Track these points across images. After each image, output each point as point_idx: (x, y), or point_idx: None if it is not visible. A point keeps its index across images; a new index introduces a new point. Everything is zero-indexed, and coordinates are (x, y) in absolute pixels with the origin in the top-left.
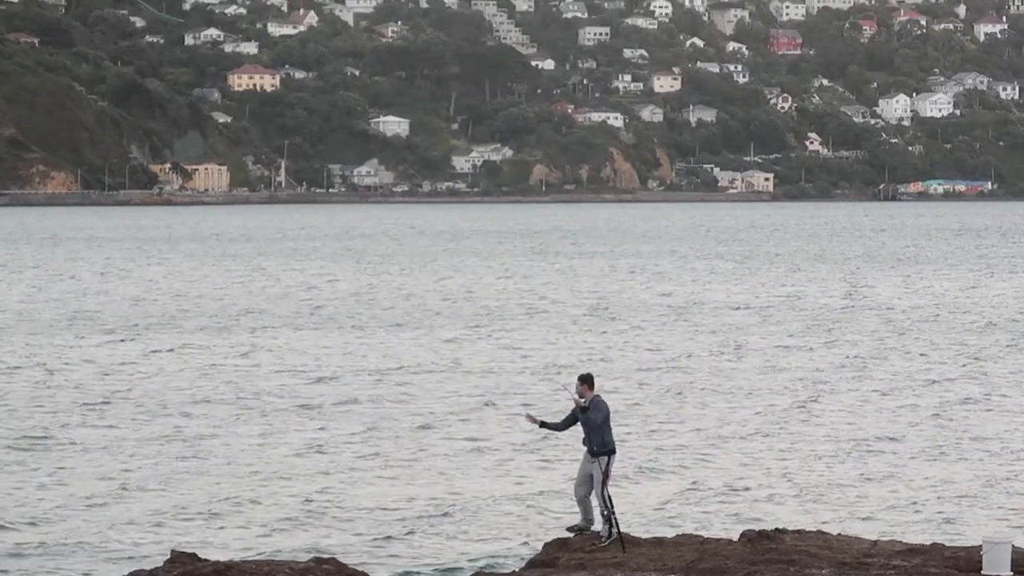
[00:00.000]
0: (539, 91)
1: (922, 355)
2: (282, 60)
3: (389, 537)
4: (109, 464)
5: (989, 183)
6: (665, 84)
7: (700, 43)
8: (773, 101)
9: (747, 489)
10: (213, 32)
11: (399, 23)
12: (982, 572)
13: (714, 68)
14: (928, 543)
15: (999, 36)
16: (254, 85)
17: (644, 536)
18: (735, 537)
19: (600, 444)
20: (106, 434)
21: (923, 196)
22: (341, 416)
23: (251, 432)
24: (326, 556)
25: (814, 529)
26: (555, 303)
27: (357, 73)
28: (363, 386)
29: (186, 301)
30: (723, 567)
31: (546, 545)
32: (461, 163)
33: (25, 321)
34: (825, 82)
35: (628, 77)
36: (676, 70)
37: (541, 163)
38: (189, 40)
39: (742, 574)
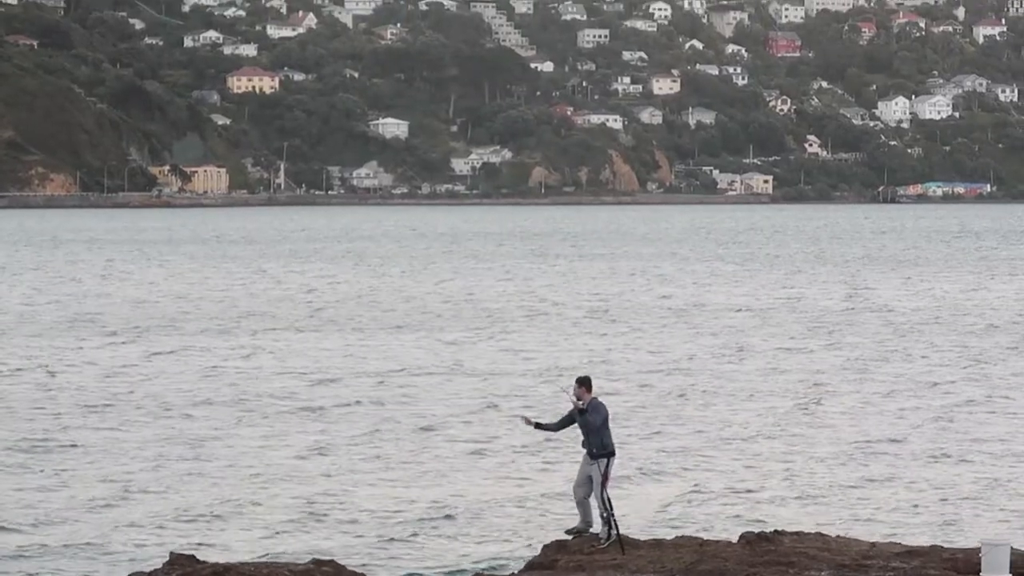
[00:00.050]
0: (538, 93)
1: (923, 357)
2: (281, 62)
3: (390, 539)
4: (110, 466)
5: (988, 185)
6: (664, 86)
7: (699, 45)
8: (772, 103)
9: (747, 491)
10: (212, 34)
11: (398, 25)
12: (981, 574)
13: (713, 70)
14: (927, 545)
15: (998, 38)
16: (253, 87)
17: (643, 538)
18: (734, 539)
19: (599, 446)
20: (107, 436)
21: (922, 198)
22: (342, 418)
23: (253, 434)
24: (325, 558)
25: (813, 531)
26: (556, 305)
27: (356, 75)
28: (364, 388)
29: (187, 303)
30: (722, 569)
31: (545, 547)
32: (460, 165)
33: (26, 323)
34: (824, 84)
35: (627, 79)
36: (675, 72)
37: (540, 165)
38: (188, 42)
39: None
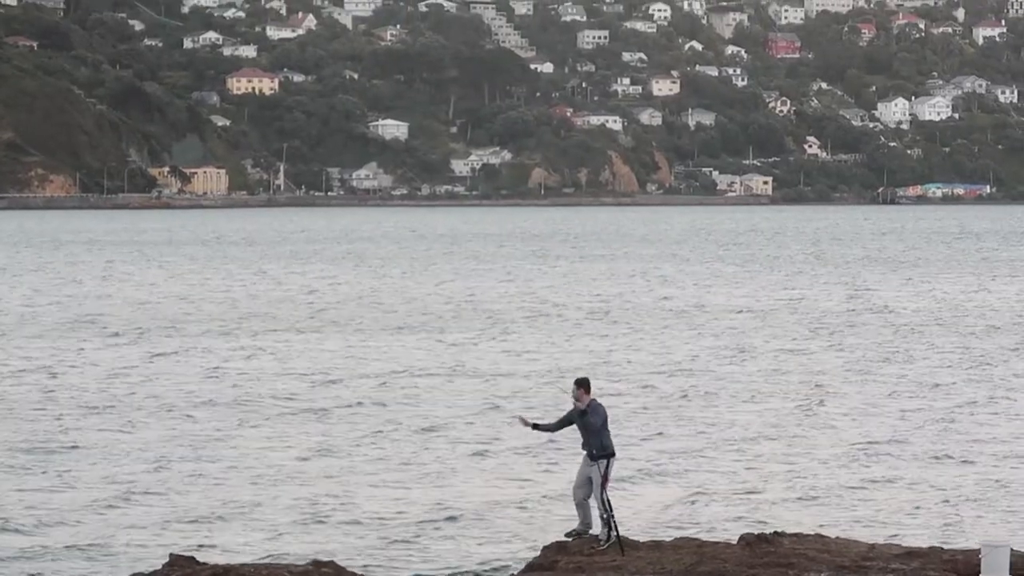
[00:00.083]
0: (538, 94)
1: (924, 358)
2: (281, 63)
3: (391, 540)
4: (112, 467)
5: (988, 186)
6: (664, 87)
7: (699, 46)
8: (772, 104)
9: (748, 492)
10: (212, 35)
11: (398, 26)
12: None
13: (713, 72)
14: (927, 546)
15: (998, 40)
16: (253, 88)
17: (643, 539)
18: (734, 540)
19: (599, 447)
20: (109, 437)
21: (922, 199)
22: (344, 419)
23: (254, 435)
24: (325, 559)
25: (814, 532)
26: (557, 306)
27: (356, 76)
28: (366, 389)
29: (188, 304)
30: (721, 570)
31: (545, 548)
32: (460, 166)
33: (28, 324)
34: (824, 85)
35: (627, 80)
36: (675, 73)
37: (540, 166)
38: (188, 43)
39: None
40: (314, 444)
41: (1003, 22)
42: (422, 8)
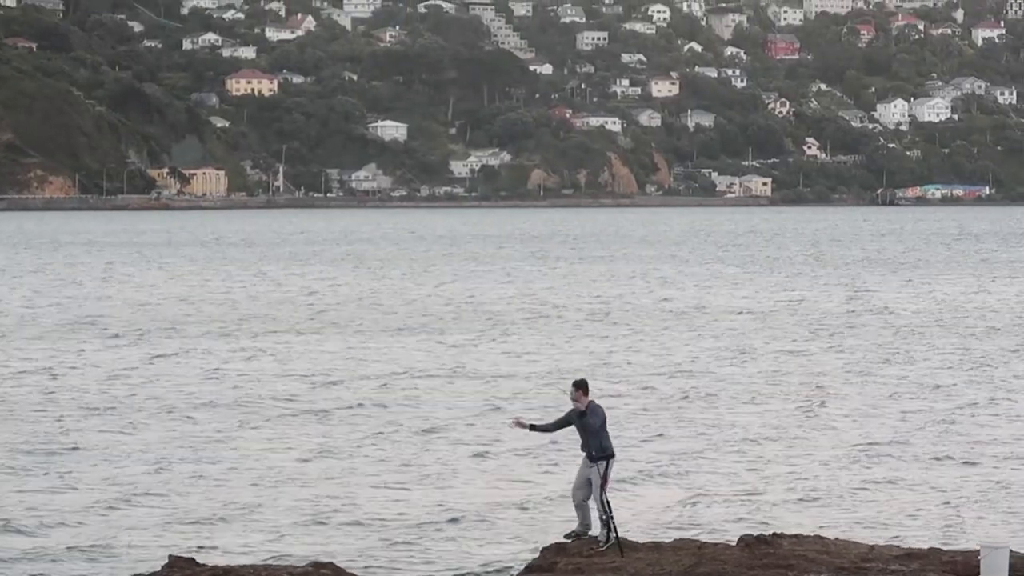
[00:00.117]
0: (537, 96)
1: (925, 360)
2: (280, 65)
3: (392, 542)
4: (112, 469)
5: (987, 188)
6: (663, 89)
7: (698, 48)
8: (771, 106)
9: (748, 494)
10: (211, 37)
11: (397, 28)
12: None
13: (712, 73)
14: (926, 548)
15: (997, 41)
16: (252, 90)
17: (642, 540)
18: (734, 542)
19: (599, 449)
20: (109, 439)
21: (921, 201)
22: (344, 420)
23: (255, 437)
24: (324, 561)
25: (812, 533)
26: (556, 308)
27: (355, 78)
28: (366, 390)
29: (188, 306)
30: (720, 572)
31: (544, 549)
32: (459, 168)
33: (28, 326)
34: (823, 87)
35: (626, 82)
36: (674, 75)
37: (539, 168)
38: (187, 45)
39: None
40: (314, 445)
41: (1002, 23)
42: (421, 9)
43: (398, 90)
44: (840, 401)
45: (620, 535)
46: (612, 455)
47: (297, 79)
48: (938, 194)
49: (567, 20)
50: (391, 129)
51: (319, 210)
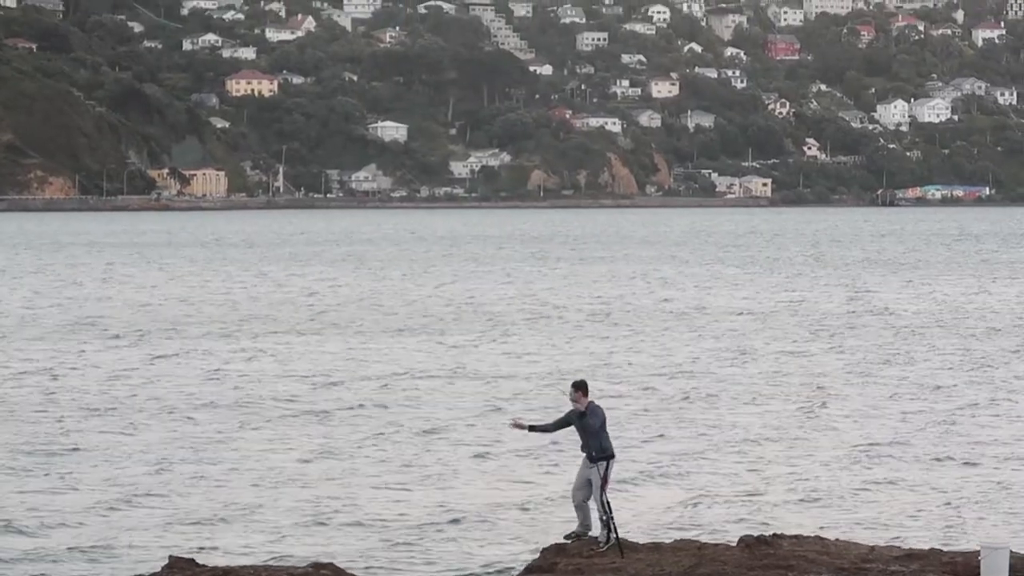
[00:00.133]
0: (537, 96)
1: (925, 360)
2: (280, 65)
3: (393, 542)
4: (113, 469)
5: (987, 188)
6: (663, 89)
7: (698, 48)
8: (771, 106)
9: (749, 494)
10: (211, 37)
11: (397, 28)
12: None
13: (712, 73)
14: (927, 548)
15: (997, 41)
16: (252, 90)
17: (643, 541)
18: (734, 542)
19: (599, 449)
20: (110, 439)
21: (921, 201)
22: (345, 421)
23: (255, 437)
24: (324, 561)
25: (813, 534)
26: (557, 308)
27: (355, 78)
28: (367, 391)
29: (189, 306)
30: (720, 572)
31: (544, 550)
32: (459, 168)
33: (28, 327)
34: (823, 87)
35: (626, 82)
36: (674, 75)
37: (539, 168)
38: (187, 45)
39: None
40: (315, 446)
41: (1002, 24)
42: (421, 10)
43: (398, 91)
44: (841, 402)
45: (620, 536)
46: (612, 456)
47: (297, 80)
48: (938, 195)
49: (567, 21)
50: (391, 130)
51: (319, 211)
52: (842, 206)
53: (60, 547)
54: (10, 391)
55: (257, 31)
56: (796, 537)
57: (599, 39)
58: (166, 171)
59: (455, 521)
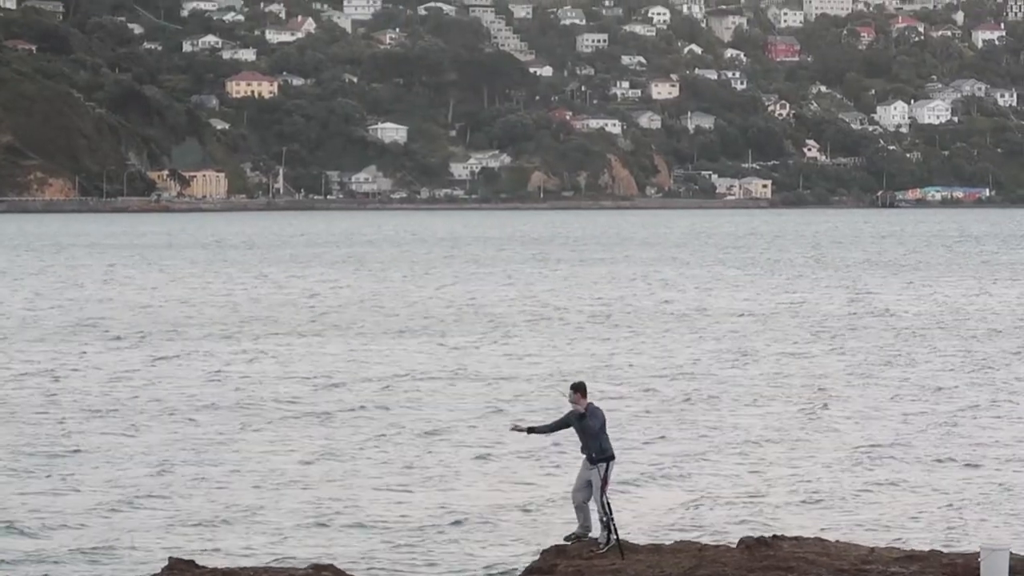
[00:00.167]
0: (537, 98)
1: (927, 362)
2: (280, 67)
3: (394, 544)
4: (115, 471)
5: (987, 190)
6: (663, 91)
7: (698, 50)
8: (771, 108)
9: (750, 496)
10: (211, 39)
11: (397, 30)
12: None
13: (712, 75)
14: (927, 550)
15: (997, 43)
16: (252, 92)
17: (643, 543)
18: (734, 544)
19: (599, 451)
20: (112, 441)
21: (921, 203)
22: (347, 423)
23: (257, 439)
24: (324, 563)
25: (813, 536)
26: (558, 310)
27: (355, 80)
28: (368, 393)
29: (190, 308)
30: (721, 574)
31: (544, 552)
32: (459, 170)
33: (30, 328)
34: (823, 89)
35: (626, 84)
36: (674, 77)
37: (539, 170)
38: (187, 47)
39: None
40: (317, 448)
41: (1002, 25)
42: (421, 11)
43: (398, 92)
44: (842, 403)
45: (621, 537)
46: (612, 457)
47: (297, 81)
48: (938, 196)
49: (567, 22)
50: (391, 131)
51: (319, 212)
52: (842, 207)
53: (62, 548)
54: (12, 392)
55: (257, 33)
56: (796, 538)
57: (599, 40)
58: (166, 173)
59: (456, 523)
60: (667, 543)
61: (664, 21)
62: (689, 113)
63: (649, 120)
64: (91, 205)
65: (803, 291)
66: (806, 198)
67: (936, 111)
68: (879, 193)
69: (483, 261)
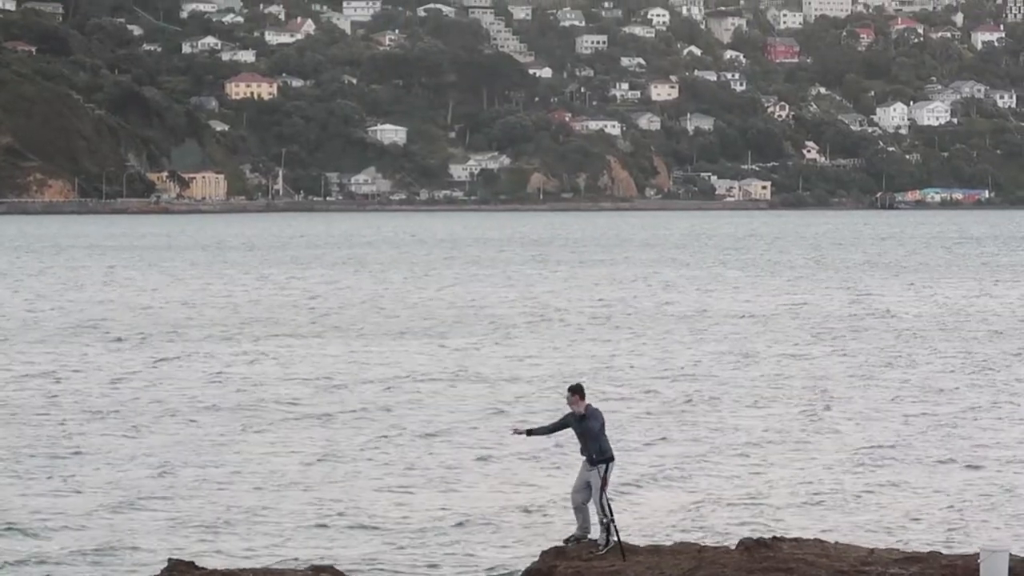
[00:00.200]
0: (536, 99)
1: (928, 363)
2: (279, 68)
3: (396, 545)
4: (116, 472)
5: (986, 191)
6: (662, 92)
7: (697, 51)
8: (770, 109)
9: (752, 497)
10: (210, 40)
11: (396, 31)
12: None
13: (711, 76)
14: (926, 551)
15: (996, 44)
16: (251, 93)
17: (642, 544)
18: (734, 545)
19: (598, 452)
20: (113, 442)
21: (920, 204)
22: (348, 424)
23: (259, 440)
24: (324, 564)
25: (813, 537)
26: (559, 311)
27: (354, 81)
28: (369, 394)
29: (190, 309)
30: (720, 575)
31: (544, 553)
32: (458, 171)
33: (30, 329)
34: (822, 90)
35: (625, 85)
36: (673, 78)
37: (538, 171)
38: (186, 48)
39: None
40: (318, 449)
41: (1001, 27)
42: (421, 13)
43: (397, 94)
44: (843, 405)
45: (622, 538)
46: (611, 458)
47: (296, 83)
48: (937, 198)
49: (566, 24)
50: (390, 133)
51: (318, 214)
52: (841, 209)
53: (63, 550)
54: (13, 394)
55: (256, 34)
56: (796, 540)
57: (598, 42)
58: (165, 174)
59: (458, 524)
60: (666, 544)
61: (663, 22)
62: (688, 114)
63: (648, 121)
64: (90, 206)
65: (804, 292)
66: (805, 199)
67: (935, 112)
68: (878, 195)
69: (483, 262)
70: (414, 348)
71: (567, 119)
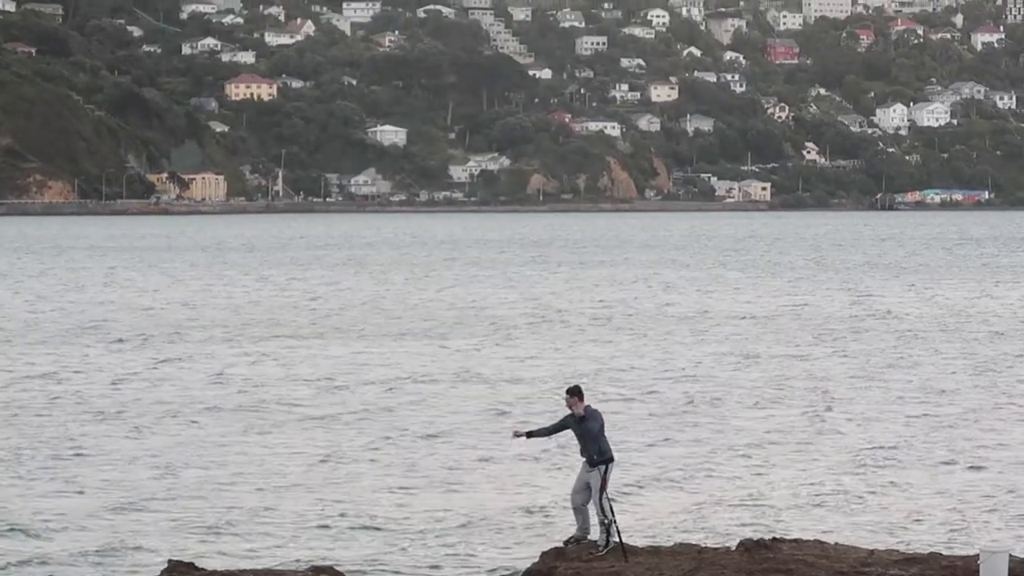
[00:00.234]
0: (536, 100)
1: (929, 364)
2: (279, 69)
3: (396, 546)
4: (118, 473)
5: (986, 192)
6: (662, 93)
7: (697, 52)
8: (770, 110)
9: (754, 499)
10: (210, 41)
11: (396, 32)
12: None
13: (711, 77)
14: (926, 552)
15: (996, 45)
16: (251, 94)
17: (642, 545)
18: (734, 546)
19: (598, 453)
20: (115, 443)
21: (920, 205)
22: (350, 425)
23: (260, 441)
24: (324, 564)
25: (813, 538)
26: (559, 312)
27: (354, 82)
28: (371, 395)
29: (191, 310)
30: None
31: (544, 554)
32: (458, 172)
33: (32, 331)
34: (822, 91)
35: (625, 86)
36: (673, 79)
37: (538, 172)
38: (186, 49)
39: None
40: (319, 450)
41: (1001, 28)
42: (420, 14)
43: (397, 95)
44: (844, 406)
45: (623, 539)
46: (611, 459)
47: (296, 84)
48: (937, 199)
49: (566, 25)
50: (390, 134)
51: (318, 215)
52: (841, 210)
53: (64, 551)
54: (14, 395)
55: (256, 35)
56: (796, 541)
57: (598, 43)
58: (165, 175)
59: (459, 525)
60: (666, 545)
61: (663, 24)
62: (688, 116)
63: (648, 123)
64: (90, 208)
65: (804, 294)
66: (805, 201)
67: (935, 114)
68: (878, 196)
69: (483, 264)
70: (415, 349)
71: (567, 120)
